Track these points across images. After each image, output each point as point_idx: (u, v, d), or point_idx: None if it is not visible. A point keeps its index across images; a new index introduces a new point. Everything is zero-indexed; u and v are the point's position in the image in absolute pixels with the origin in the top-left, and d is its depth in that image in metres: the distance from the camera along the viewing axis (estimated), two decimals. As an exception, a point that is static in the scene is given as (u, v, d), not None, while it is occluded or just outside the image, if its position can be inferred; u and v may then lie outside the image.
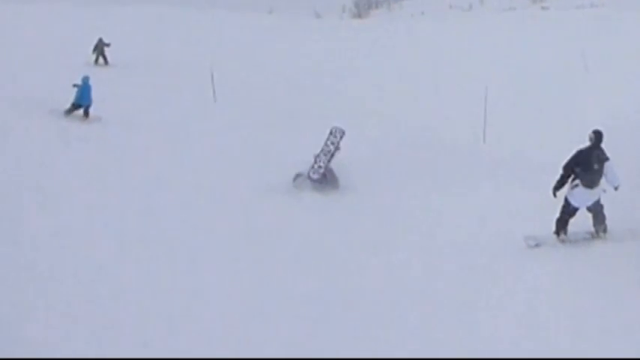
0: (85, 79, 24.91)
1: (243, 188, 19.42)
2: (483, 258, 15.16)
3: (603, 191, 14.84)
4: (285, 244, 16.07)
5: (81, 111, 24.94)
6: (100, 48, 30.55)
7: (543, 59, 29.66)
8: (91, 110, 24.90)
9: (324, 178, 19.59)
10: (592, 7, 75.76)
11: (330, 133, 20.30)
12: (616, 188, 14.89)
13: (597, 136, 14.78)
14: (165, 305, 13.27)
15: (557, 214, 15.03)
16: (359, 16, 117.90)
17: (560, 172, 14.85)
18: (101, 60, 30.57)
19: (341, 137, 20.19)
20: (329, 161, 19.78)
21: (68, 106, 24.87)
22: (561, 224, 15.00)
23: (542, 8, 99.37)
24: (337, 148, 20.01)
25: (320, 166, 19.65)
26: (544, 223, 15.60)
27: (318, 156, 19.80)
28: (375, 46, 31.77)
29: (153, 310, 13.03)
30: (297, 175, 19.74)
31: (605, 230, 15.01)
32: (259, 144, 22.97)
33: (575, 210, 14.93)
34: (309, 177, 19.55)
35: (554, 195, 14.91)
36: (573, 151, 14.93)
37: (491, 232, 16.22)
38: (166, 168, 20.83)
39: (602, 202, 14.96)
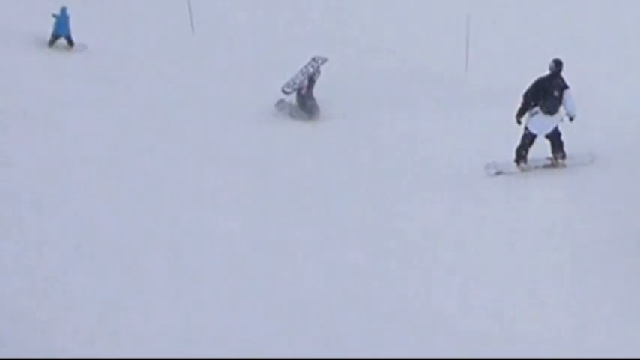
0: (63, 10, 25.22)
1: (225, 117, 19.81)
2: (448, 184, 15.71)
3: (561, 120, 15.24)
4: (264, 169, 16.61)
5: (63, 41, 25.26)
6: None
7: None
8: (75, 39, 25.08)
9: (302, 100, 19.86)
10: None
11: (312, 59, 20.52)
12: (571, 119, 15.35)
13: (557, 64, 15.25)
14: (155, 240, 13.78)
15: (518, 143, 15.41)
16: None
17: (521, 99, 15.28)
18: None
19: (322, 63, 20.41)
20: (308, 83, 20.00)
21: (49, 37, 25.21)
22: (521, 152, 15.49)
23: None
24: (317, 72, 20.17)
25: (295, 82, 19.91)
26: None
27: (295, 75, 20.03)
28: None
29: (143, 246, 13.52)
30: (279, 101, 20.10)
31: (563, 157, 15.53)
32: (240, 75, 23.15)
33: (534, 137, 15.41)
34: (282, 90, 19.90)
35: (518, 122, 15.38)
36: (533, 79, 15.32)
37: (462, 159, 16.66)
38: (150, 99, 21.05)
39: (560, 129, 15.39)
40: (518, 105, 15.26)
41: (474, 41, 24.03)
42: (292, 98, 20.22)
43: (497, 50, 25.39)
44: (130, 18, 27.19)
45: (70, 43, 25.11)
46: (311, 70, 20.25)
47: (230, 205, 15.10)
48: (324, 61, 20.57)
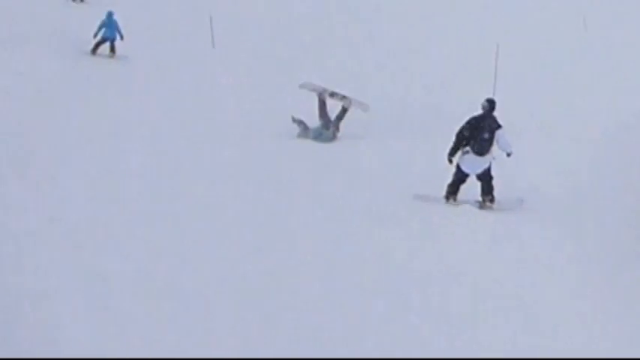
0: (110, 14, 26.07)
1: (246, 133, 20.29)
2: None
3: (493, 159, 15.22)
4: (280, 184, 16.85)
5: (106, 49, 26.08)
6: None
7: (542, 20, 29.25)
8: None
9: (327, 124, 20.47)
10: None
11: (346, 97, 20.88)
12: (508, 155, 15.43)
13: (490, 104, 15.34)
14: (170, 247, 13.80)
15: (449, 179, 15.42)
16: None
17: (453, 138, 15.29)
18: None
19: (356, 105, 20.88)
20: (339, 113, 20.56)
21: (92, 45, 26.06)
22: (452, 189, 15.65)
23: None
24: (348, 108, 20.65)
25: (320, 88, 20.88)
26: (532, 184, 16.65)
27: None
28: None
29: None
30: (300, 123, 20.57)
31: (492, 200, 15.53)
32: (261, 93, 23.57)
33: (465, 176, 15.51)
34: (300, 85, 21.29)
35: (449, 161, 15.45)
36: (466, 118, 15.38)
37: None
38: (171, 114, 21.61)
39: (492, 173, 15.45)
40: (450, 144, 15.37)
41: (502, 72, 23.98)
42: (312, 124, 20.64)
43: (525, 81, 25.35)
44: (158, 30, 28.13)
45: (113, 49, 25.94)
46: (339, 101, 20.73)
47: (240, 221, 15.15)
48: (364, 107, 20.90)
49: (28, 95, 21.90)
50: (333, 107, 20.91)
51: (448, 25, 29.60)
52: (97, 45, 26.21)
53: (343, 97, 20.75)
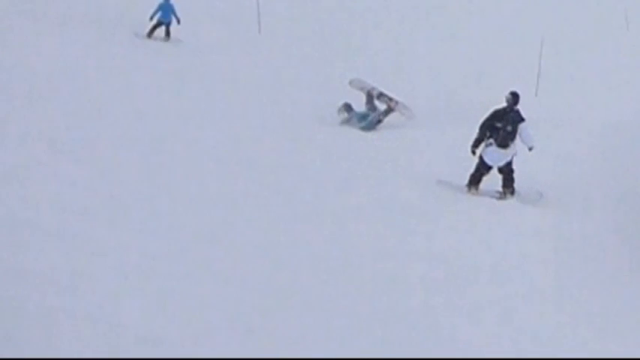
0: None
1: (287, 121, 20.54)
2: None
3: (514, 154, 15.51)
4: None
5: (162, 30, 26.77)
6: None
7: (585, 18, 29.32)
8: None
9: (373, 107, 20.70)
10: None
11: (391, 99, 20.92)
12: (530, 149, 15.75)
13: (514, 97, 15.62)
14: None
15: (472, 170, 15.83)
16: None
17: (477, 130, 15.58)
18: None
19: (401, 109, 20.89)
20: (385, 109, 20.67)
21: (149, 28, 26.67)
22: (474, 179, 16.02)
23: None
24: (391, 110, 20.75)
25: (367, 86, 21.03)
26: (567, 177, 17.02)
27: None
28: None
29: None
30: (346, 106, 20.78)
31: (512, 193, 15.91)
32: (304, 80, 23.96)
33: (488, 168, 15.82)
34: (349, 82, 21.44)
35: (473, 153, 15.72)
36: (490, 110, 15.64)
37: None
38: (212, 100, 21.84)
39: (514, 166, 15.83)
40: (474, 135, 15.68)
41: (544, 67, 24.18)
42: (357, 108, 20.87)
43: (563, 78, 25.49)
44: (210, 14, 28.72)
45: (168, 33, 26.59)
46: (385, 104, 20.78)
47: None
48: (408, 114, 20.88)
49: (81, 77, 22.35)
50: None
51: (492, 20, 29.85)
52: (154, 28, 26.89)
53: (390, 100, 20.79)
